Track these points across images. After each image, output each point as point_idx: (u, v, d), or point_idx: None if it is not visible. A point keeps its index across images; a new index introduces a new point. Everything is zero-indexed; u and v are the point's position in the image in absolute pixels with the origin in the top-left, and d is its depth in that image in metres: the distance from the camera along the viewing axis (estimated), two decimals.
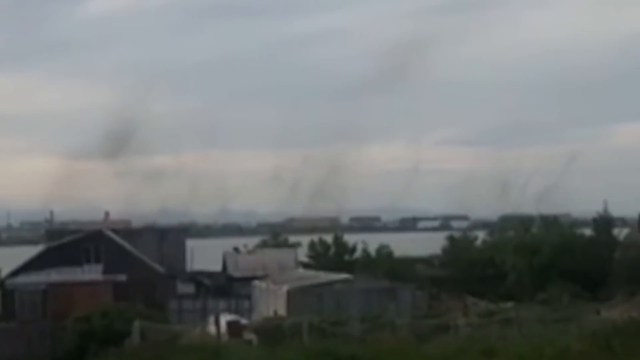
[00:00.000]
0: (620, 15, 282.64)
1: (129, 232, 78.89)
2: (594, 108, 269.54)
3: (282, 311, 59.04)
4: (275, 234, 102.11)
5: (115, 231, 74.29)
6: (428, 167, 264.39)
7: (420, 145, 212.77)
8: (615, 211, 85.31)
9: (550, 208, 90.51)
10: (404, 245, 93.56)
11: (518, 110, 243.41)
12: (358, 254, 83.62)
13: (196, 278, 78.37)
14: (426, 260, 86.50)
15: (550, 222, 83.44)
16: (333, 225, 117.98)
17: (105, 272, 67.89)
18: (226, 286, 77.02)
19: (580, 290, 67.34)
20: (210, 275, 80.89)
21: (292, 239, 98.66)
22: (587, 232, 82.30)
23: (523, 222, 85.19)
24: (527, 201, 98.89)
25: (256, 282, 68.83)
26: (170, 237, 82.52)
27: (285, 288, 61.56)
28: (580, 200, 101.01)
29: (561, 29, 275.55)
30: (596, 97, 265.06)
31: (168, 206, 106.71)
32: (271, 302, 62.77)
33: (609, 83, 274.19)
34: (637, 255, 75.23)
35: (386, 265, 77.80)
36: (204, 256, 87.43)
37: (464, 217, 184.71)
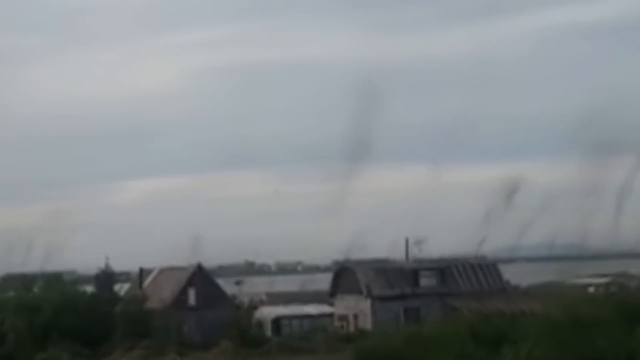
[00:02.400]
0: (130, 75, 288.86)
1: None
2: (99, 165, 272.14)
3: None
4: None
5: None
6: None
7: None
8: (119, 266, 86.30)
9: (56, 266, 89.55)
10: None
11: (25, 167, 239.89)
12: None
13: None
14: None
15: (53, 280, 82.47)
16: None
17: None
18: None
19: (82, 347, 67.08)
20: None
21: None
22: (91, 288, 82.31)
23: (25, 282, 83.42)
24: (33, 260, 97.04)
25: None
26: None
27: None
28: (86, 256, 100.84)
29: (70, 87, 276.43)
30: (102, 154, 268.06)
31: None
32: None
33: (116, 141, 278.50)
34: (136, 309, 76.40)
35: None
36: None
37: None
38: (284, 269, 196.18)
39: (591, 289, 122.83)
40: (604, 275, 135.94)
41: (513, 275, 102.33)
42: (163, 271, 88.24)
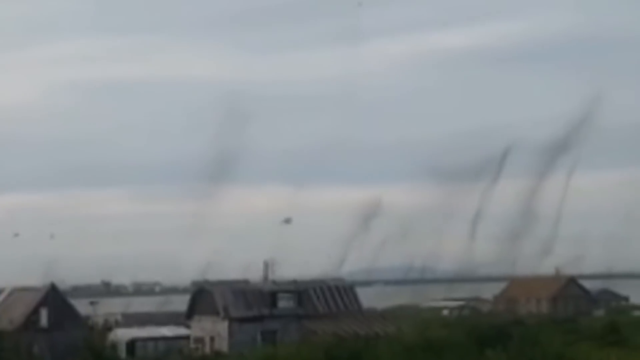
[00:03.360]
0: None
1: None
2: None
3: None
4: None
5: None
6: None
7: None
8: None
9: None
10: None
11: None
12: None
13: None
14: None
15: None
16: None
17: None
18: None
19: None
20: None
21: None
22: None
23: None
24: None
25: None
26: None
27: None
28: None
29: None
30: None
31: None
32: None
33: None
34: None
35: None
36: None
37: None
38: (141, 290, 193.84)
39: (445, 312, 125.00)
40: (458, 299, 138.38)
41: (370, 297, 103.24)
42: (14, 291, 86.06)
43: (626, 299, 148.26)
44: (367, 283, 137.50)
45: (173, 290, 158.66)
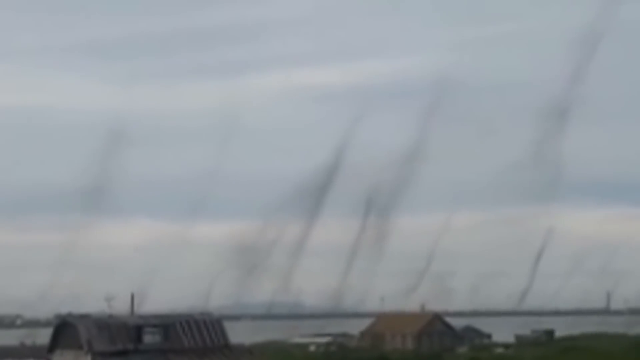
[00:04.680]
0: None
1: None
2: None
3: None
4: None
5: None
6: None
7: None
8: None
9: None
10: None
11: None
12: None
13: None
14: None
15: None
16: None
17: None
18: None
19: None
20: None
21: None
22: None
23: None
24: None
25: None
26: None
27: None
28: None
29: None
30: None
31: None
32: None
33: None
34: None
35: None
36: None
37: None
38: (1, 323, 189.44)
39: (312, 348, 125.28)
40: (325, 334, 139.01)
41: (238, 332, 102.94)
42: None
43: (489, 336, 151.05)
44: (235, 317, 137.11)
45: (35, 324, 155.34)
